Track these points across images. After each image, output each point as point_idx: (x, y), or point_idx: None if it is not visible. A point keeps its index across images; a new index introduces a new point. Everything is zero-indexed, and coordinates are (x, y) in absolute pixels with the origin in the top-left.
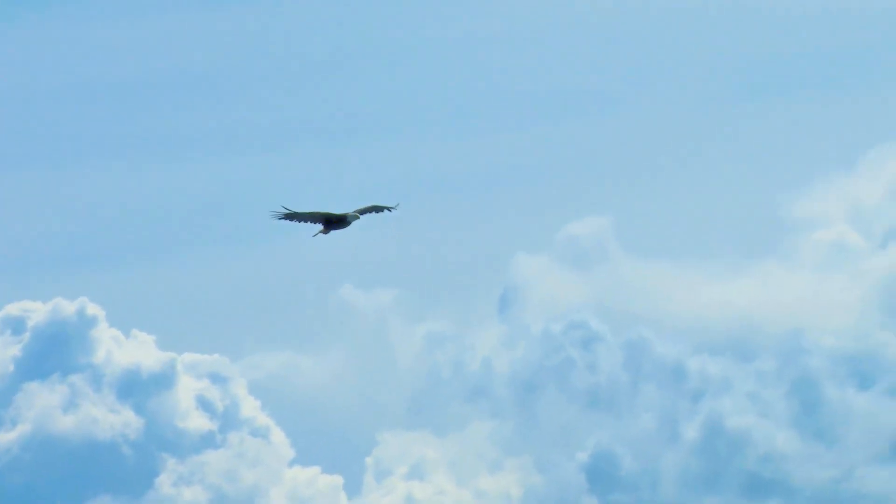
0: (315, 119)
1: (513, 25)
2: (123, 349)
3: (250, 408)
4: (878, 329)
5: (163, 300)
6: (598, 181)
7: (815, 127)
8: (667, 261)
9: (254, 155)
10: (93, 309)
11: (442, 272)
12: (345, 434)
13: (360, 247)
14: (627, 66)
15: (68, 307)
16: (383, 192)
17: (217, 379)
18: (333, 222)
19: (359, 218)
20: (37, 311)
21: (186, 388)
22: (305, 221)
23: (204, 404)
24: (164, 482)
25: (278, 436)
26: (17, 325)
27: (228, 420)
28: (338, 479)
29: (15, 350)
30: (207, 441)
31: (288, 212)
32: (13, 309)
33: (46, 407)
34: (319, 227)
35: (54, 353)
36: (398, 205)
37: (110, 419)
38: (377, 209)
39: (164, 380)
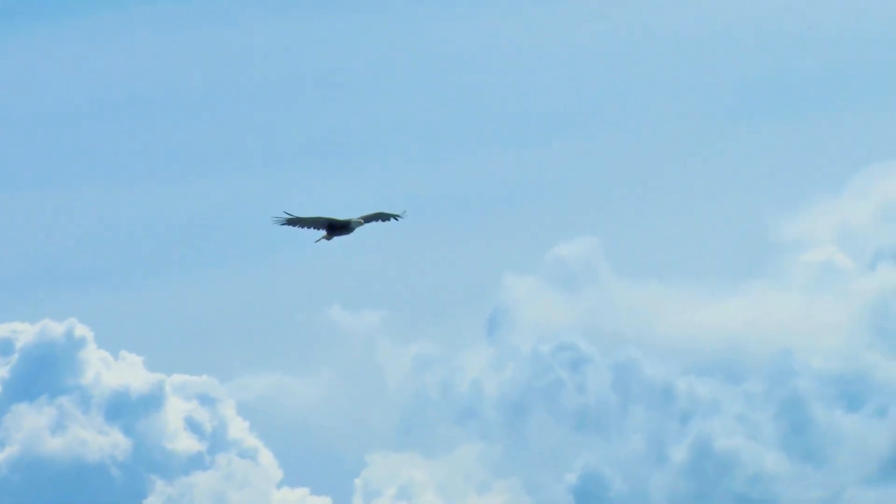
0: (302, 139)
1: (500, 46)
2: (112, 370)
3: (239, 429)
4: (867, 350)
5: (151, 321)
6: (587, 202)
7: (804, 148)
8: (656, 282)
9: (243, 175)
10: (81, 330)
11: (430, 293)
12: (333, 455)
13: (348, 268)
14: (616, 87)
15: (56, 328)
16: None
17: (205, 400)
18: (337, 228)
19: (362, 224)
20: (25, 333)
21: (175, 410)
22: (308, 227)
23: (192, 426)
24: None
25: (267, 457)
26: (5, 347)
27: (217, 441)
28: (326, 501)
29: (3, 371)
30: (196, 462)
31: (290, 217)
32: (1, 330)
33: (34, 428)
34: (322, 232)
35: (42, 374)
36: (405, 212)
37: (99, 441)
38: (383, 217)
39: (152, 401)
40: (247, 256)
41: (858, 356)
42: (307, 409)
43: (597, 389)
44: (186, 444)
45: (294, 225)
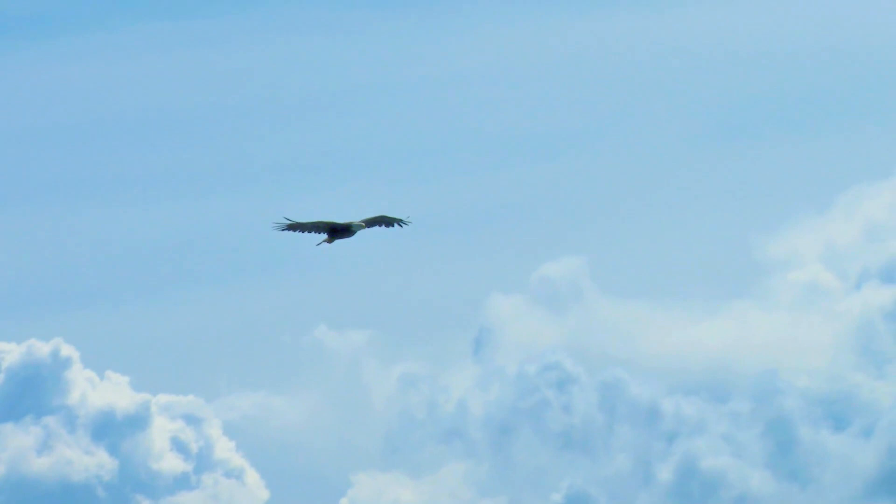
0: (287, 159)
1: (487, 68)
2: (98, 390)
3: (225, 449)
4: (853, 370)
5: (137, 341)
6: (573, 222)
7: (789, 168)
8: (641, 302)
9: (228, 195)
10: (67, 350)
11: (416, 313)
12: (319, 475)
13: (334, 288)
14: (602, 108)
15: (42, 348)
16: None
17: (191, 420)
18: (338, 231)
19: (364, 227)
20: (11, 353)
21: (161, 430)
22: (309, 231)
23: (178, 445)
24: None
25: (253, 477)
26: None
27: (203, 461)
28: None
29: None
30: (182, 482)
31: (290, 222)
32: None
33: (20, 448)
34: (323, 236)
35: (28, 394)
36: (409, 218)
37: (85, 461)
38: (387, 221)
39: (138, 421)
40: (232, 277)
41: (844, 376)
42: (293, 429)
43: (583, 409)
44: (172, 463)
45: (295, 230)
